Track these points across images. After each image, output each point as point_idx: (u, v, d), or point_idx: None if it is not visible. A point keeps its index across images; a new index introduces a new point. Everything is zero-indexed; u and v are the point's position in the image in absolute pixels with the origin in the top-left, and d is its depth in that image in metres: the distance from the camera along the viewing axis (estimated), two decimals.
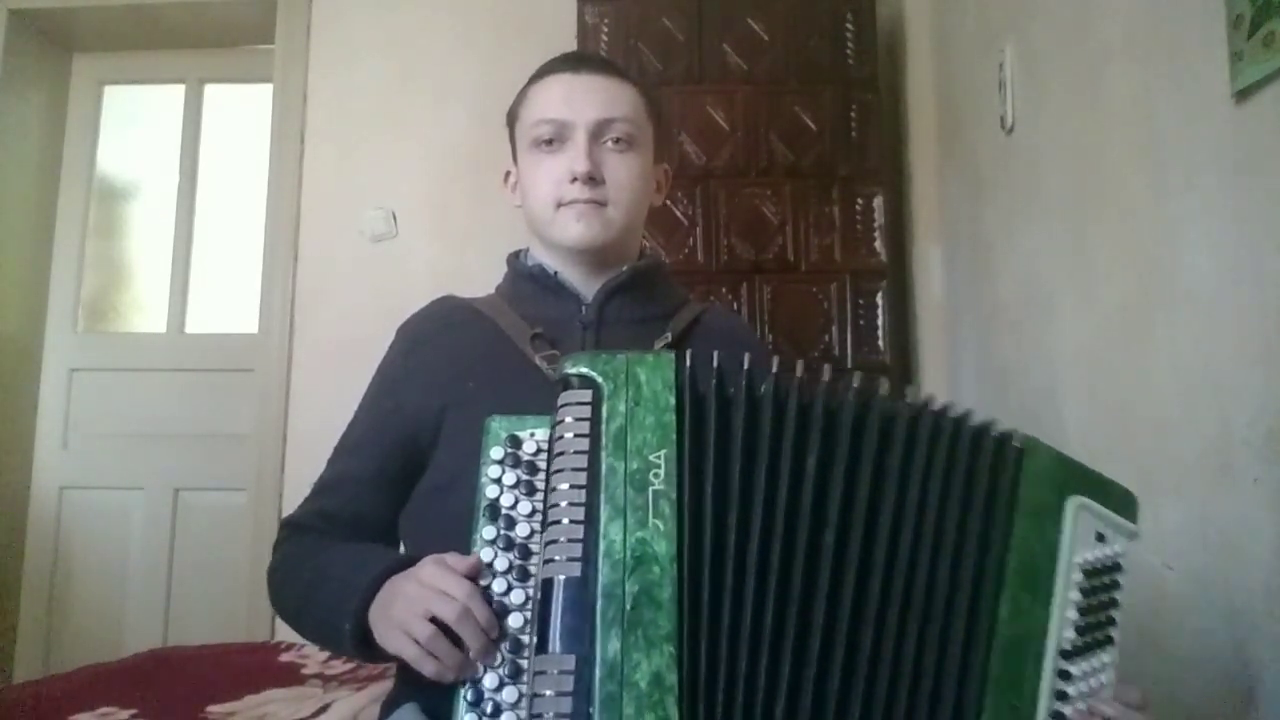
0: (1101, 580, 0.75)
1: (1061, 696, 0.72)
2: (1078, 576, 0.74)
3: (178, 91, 2.83)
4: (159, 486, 2.65)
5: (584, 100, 1.03)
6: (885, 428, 0.75)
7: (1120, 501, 0.78)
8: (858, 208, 2.12)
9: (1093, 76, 1.40)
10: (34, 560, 2.63)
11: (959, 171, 2.14)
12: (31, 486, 2.66)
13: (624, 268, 1.07)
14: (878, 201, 2.12)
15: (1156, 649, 1.20)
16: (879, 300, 2.10)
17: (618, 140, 1.03)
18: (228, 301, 2.73)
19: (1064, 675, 0.72)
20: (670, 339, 1.04)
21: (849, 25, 2.17)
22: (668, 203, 1.21)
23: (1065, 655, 0.73)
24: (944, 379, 2.23)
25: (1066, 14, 1.50)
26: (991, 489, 0.75)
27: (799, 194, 2.12)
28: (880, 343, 2.09)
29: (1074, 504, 0.75)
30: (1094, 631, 0.74)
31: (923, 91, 2.38)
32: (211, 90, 2.84)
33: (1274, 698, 0.97)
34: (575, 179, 1.01)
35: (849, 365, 2.05)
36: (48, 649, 2.58)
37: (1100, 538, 0.76)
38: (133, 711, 1.35)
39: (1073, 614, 0.73)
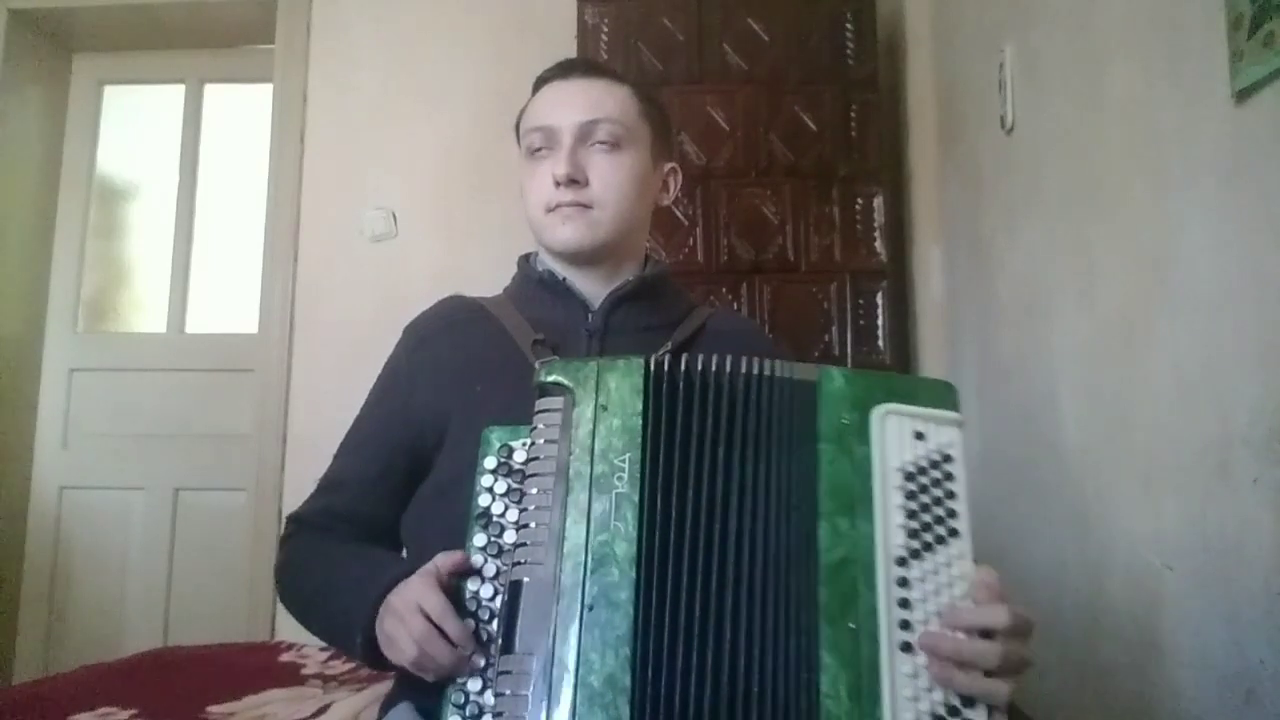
0: (930, 477, 0.76)
1: (904, 604, 0.72)
2: (898, 480, 0.75)
3: (178, 91, 2.83)
4: (159, 486, 2.65)
5: (568, 104, 1.05)
6: (734, 401, 0.77)
7: (934, 395, 0.79)
8: (858, 208, 2.12)
9: (1093, 76, 1.40)
10: (34, 560, 2.63)
11: (959, 171, 2.14)
12: (31, 486, 2.66)
13: (630, 275, 1.08)
14: (878, 201, 2.12)
15: (1156, 649, 1.20)
16: (879, 300, 2.10)
17: (603, 141, 1.04)
18: (228, 301, 2.73)
19: (902, 582, 0.72)
20: (671, 347, 1.03)
21: (849, 25, 2.17)
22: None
23: (901, 562, 0.73)
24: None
25: (1066, 14, 1.50)
26: (791, 427, 0.77)
27: (799, 194, 2.12)
28: (880, 343, 2.09)
29: (879, 413, 0.77)
30: (931, 530, 0.74)
31: (923, 91, 2.38)
32: (211, 90, 2.84)
33: (1274, 698, 0.97)
34: (559, 183, 1.02)
35: (849, 365, 2.05)
36: (48, 649, 2.58)
37: (920, 436, 0.77)
38: (133, 711, 1.35)
39: (900, 519, 0.74)
